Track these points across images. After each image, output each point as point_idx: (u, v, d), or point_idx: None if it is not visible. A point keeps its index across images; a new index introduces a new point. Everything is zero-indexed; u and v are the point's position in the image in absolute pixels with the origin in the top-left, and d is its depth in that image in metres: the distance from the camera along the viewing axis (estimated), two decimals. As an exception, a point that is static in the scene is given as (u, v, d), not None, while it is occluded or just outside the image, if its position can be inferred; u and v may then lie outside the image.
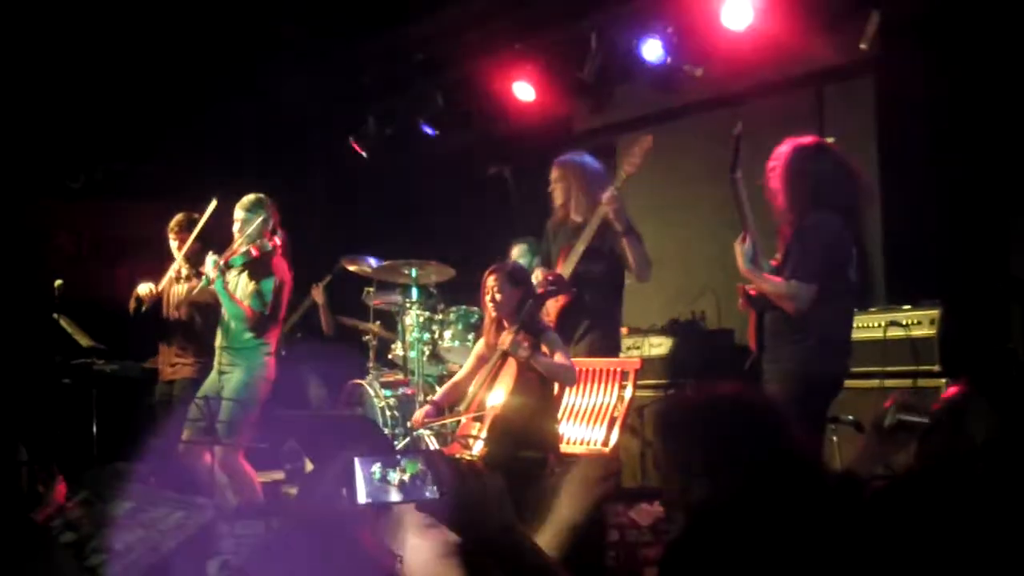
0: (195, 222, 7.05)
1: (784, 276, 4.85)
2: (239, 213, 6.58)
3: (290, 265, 6.65)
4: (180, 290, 7.00)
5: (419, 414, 6.05)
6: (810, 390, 4.81)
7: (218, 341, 6.59)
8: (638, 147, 6.06)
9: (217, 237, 6.81)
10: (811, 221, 4.86)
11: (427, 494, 3.39)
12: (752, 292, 5.03)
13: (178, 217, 7.19)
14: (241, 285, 6.57)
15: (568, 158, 6.41)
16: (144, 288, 7.01)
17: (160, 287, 7.04)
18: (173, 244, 7.11)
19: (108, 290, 8.41)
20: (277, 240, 6.59)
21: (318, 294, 8.92)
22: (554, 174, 6.36)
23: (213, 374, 6.58)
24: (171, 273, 6.99)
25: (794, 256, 4.84)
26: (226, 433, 6.15)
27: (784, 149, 5.01)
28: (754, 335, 5.05)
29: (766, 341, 4.98)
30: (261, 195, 6.66)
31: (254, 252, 6.49)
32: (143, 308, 7.02)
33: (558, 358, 5.55)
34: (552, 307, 6.11)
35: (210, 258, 6.48)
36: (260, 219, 6.53)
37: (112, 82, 8.78)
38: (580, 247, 6.06)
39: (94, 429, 7.56)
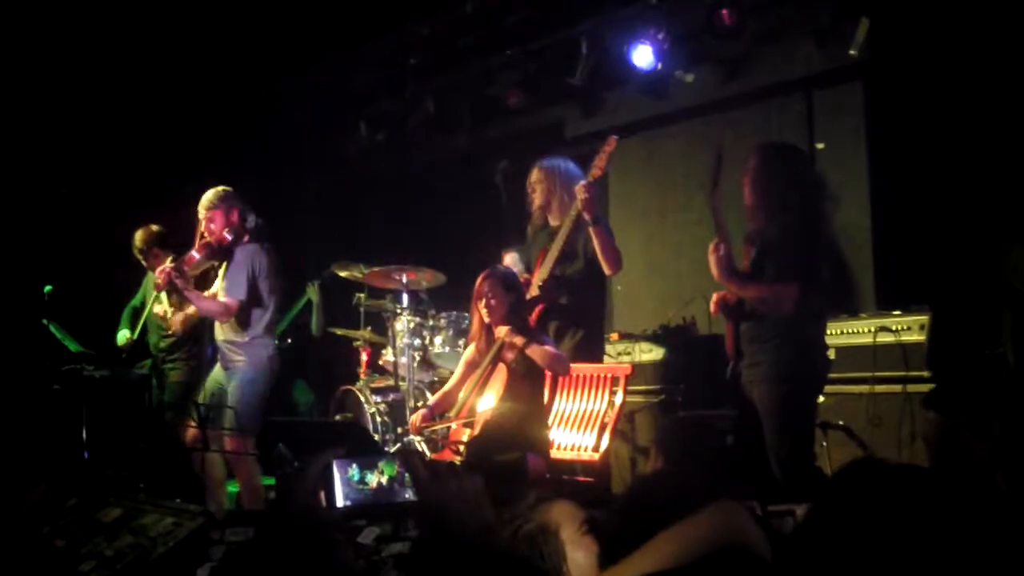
0: (160, 235, 7.09)
1: (766, 280, 4.89)
2: (202, 212, 6.56)
3: (273, 256, 6.61)
4: (164, 306, 7.03)
5: (416, 418, 6.06)
6: (796, 390, 4.87)
7: (220, 336, 6.56)
8: (603, 148, 6.09)
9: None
10: (783, 225, 4.91)
11: (405, 496, 3.41)
12: (730, 300, 5.07)
13: (140, 235, 7.24)
14: (219, 281, 6.55)
15: (549, 162, 6.42)
16: (122, 338, 7.08)
17: (144, 317, 7.14)
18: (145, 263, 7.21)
19: (98, 296, 8.41)
20: (248, 226, 6.56)
21: (313, 292, 8.91)
22: (534, 176, 6.37)
23: (217, 370, 6.55)
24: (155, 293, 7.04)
25: (773, 260, 4.89)
26: (234, 427, 6.18)
27: (758, 150, 5.09)
28: (731, 342, 5.09)
29: (744, 347, 5.02)
30: (221, 188, 6.60)
31: (210, 247, 6.49)
32: (125, 353, 7.11)
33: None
34: (532, 315, 6.13)
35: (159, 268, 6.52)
36: (222, 213, 6.51)
37: (100, 85, 8.76)
38: (555, 250, 6.10)
39: (84, 435, 7.55)
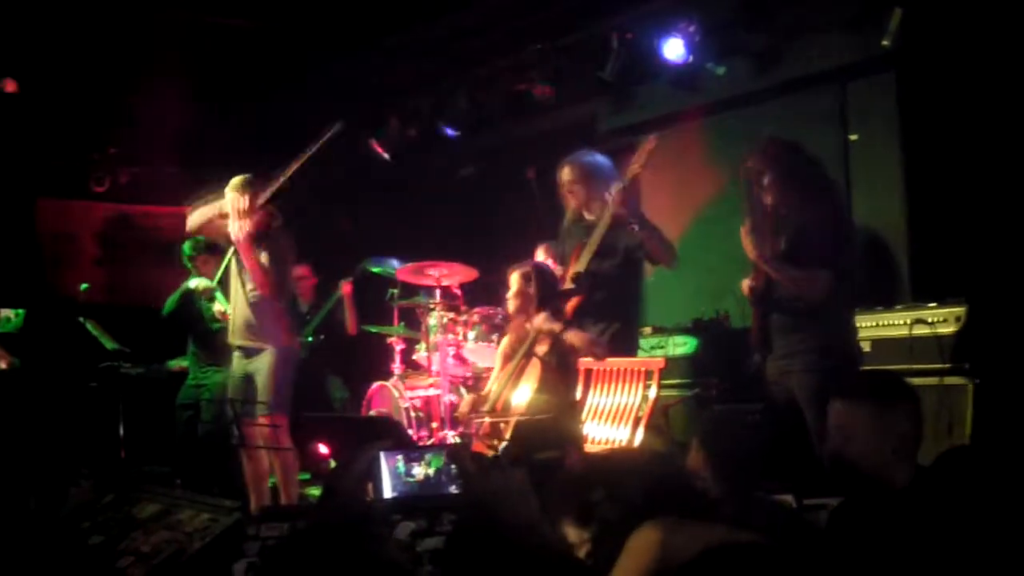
0: (208, 244, 7.15)
1: (801, 266, 4.88)
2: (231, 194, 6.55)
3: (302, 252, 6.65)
4: (221, 306, 7.03)
5: (465, 406, 6.08)
6: (835, 378, 4.82)
7: (239, 327, 6.58)
8: (641, 148, 6.08)
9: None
10: (816, 212, 4.90)
11: (450, 488, 3.41)
12: (758, 286, 5.07)
13: (189, 244, 7.33)
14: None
15: (579, 156, 6.41)
16: (220, 304, 7.06)
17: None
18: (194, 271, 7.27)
19: (133, 293, 8.48)
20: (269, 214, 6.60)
21: (346, 288, 8.95)
22: (569, 175, 6.35)
23: (237, 362, 6.57)
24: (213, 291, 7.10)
25: (808, 247, 4.87)
26: (271, 410, 6.27)
27: (769, 148, 5.06)
28: (757, 334, 5.06)
29: (775, 338, 5.00)
30: (244, 176, 6.60)
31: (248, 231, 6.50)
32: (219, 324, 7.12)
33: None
34: (567, 307, 6.12)
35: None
36: (246, 198, 6.52)
37: (135, 84, 8.81)
38: (592, 244, 6.07)
39: (121, 431, 7.61)
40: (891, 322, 5.94)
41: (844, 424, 3.13)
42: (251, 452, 6.41)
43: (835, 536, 2.99)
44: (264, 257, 6.38)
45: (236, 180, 6.53)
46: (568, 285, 6.05)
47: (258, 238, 6.40)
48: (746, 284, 5.15)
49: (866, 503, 2.96)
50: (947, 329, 5.70)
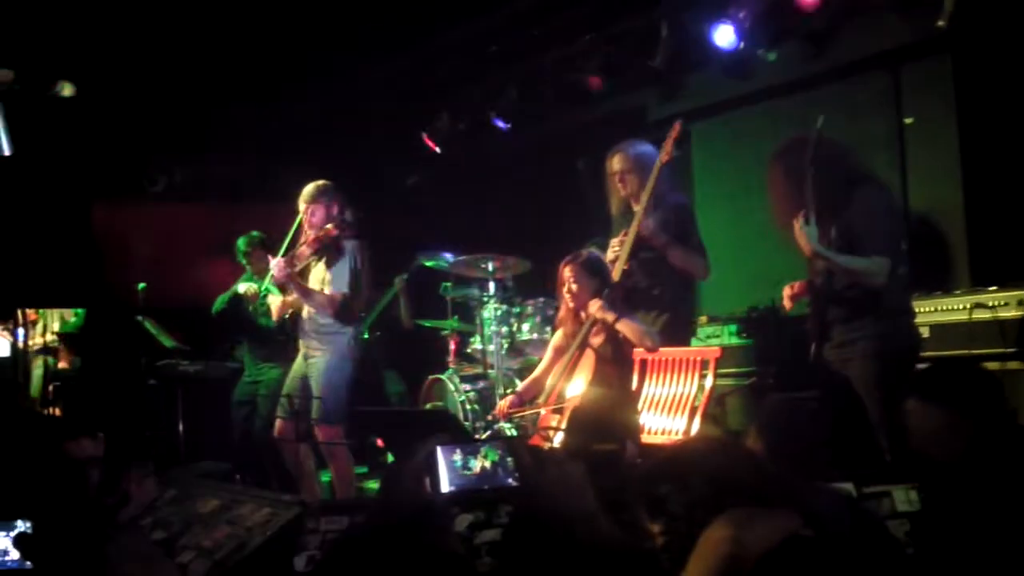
0: (262, 240, 7.20)
1: (858, 254, 4.82)
2: (303, 205, 6.61)
3: (366, 249, 6.64)
4: (276, 301, 7.01)
5: (504, 403, 6.08)
6: (895, 363, 4.78)
7: (307, 327, 6.62)
8: (668, 135, 6.09)
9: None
10: (862, 196, 4.84)
11: (508, 481, 3.42)
12: (799, 290, 5.04)
13: (243, 240, 7.39)
14: (316, 274, 6.59)
15: (629, 146, 6.40)
16: (276, 301, 7.03)
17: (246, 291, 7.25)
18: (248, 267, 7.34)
19: (189, 292, 8.55)
20: (347, 219, 6.60)
21: (400, 284, 8.99)
22: (621, 164, 6.34)
23: (299, 360, 6.62)
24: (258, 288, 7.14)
25: (862, 234, 4.80)
26: (322, 416, 6.28)
27: (795, 141, 5.01)
28: (815, 325, 5.01)
29: (833, 327, 4.94)
30: (322, 182, 6.65)
31: (320, 240, 6.51)
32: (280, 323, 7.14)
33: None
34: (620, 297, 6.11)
35: (274, 261, 6.49)
36: (323, 207, 6.55)
37: (189, 83, 8.88)
38: (632, 235, 6.11)
39: (180, 428, 7.70)
40: (950, 307, 5.87)
41: (922, 424, 3.07)
42: (290, 448, 6.46)
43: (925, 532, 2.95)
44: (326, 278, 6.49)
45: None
46: (617, 277, 6.05)
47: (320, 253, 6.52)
48: (787, 293, 5.14)
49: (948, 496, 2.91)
50: (1008, 313, 5.62)
